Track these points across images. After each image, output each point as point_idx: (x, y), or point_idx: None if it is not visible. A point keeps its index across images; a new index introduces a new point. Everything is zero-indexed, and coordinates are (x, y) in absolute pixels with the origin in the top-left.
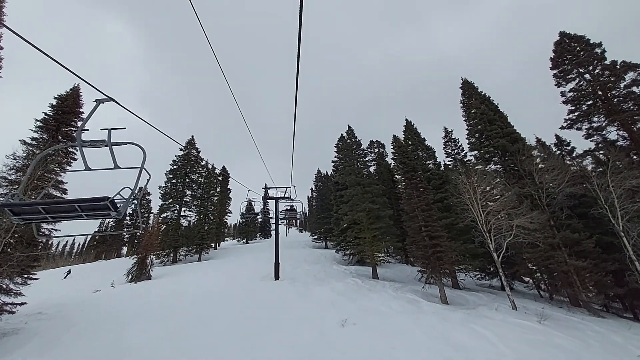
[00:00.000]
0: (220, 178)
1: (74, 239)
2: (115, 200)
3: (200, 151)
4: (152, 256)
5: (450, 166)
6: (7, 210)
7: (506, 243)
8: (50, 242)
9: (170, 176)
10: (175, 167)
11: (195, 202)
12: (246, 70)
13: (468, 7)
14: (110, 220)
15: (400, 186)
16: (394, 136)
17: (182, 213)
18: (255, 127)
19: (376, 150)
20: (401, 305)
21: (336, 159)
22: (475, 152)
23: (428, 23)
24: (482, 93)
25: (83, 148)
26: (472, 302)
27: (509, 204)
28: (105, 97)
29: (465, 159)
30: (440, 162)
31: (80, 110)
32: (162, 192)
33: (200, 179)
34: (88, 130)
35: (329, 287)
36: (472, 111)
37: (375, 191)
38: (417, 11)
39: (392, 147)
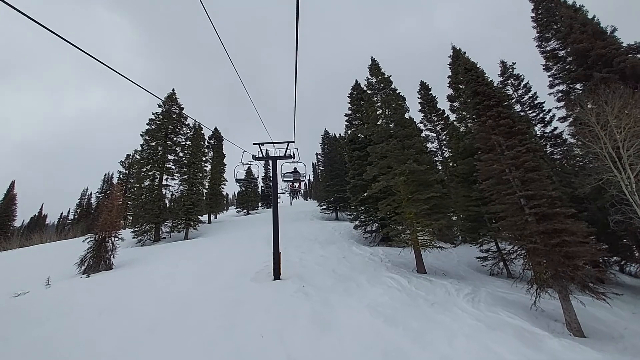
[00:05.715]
0: (212, 142)
1: (69, 211)
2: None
3: (183, 108)
4: (113, 238)
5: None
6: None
7: None
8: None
9: (147, 138)
10: (152, 126)
11: (181, 169)
12: (246, 43)
13: None
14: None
15: (429, 144)
16: (422, 82)
17: (164, 182)
18: (256, 99)
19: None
20: (517, 351)
21: (350, 112)
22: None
23: (427, 8)
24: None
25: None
26: (621, 330)
27: None
28: None
29: (536, 101)
30: (511, 105)
31: None
32: (138, 157)
33: (186, 142)
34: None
35: (364, 301)
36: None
37: (418, 146)
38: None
39: (419, 95)
